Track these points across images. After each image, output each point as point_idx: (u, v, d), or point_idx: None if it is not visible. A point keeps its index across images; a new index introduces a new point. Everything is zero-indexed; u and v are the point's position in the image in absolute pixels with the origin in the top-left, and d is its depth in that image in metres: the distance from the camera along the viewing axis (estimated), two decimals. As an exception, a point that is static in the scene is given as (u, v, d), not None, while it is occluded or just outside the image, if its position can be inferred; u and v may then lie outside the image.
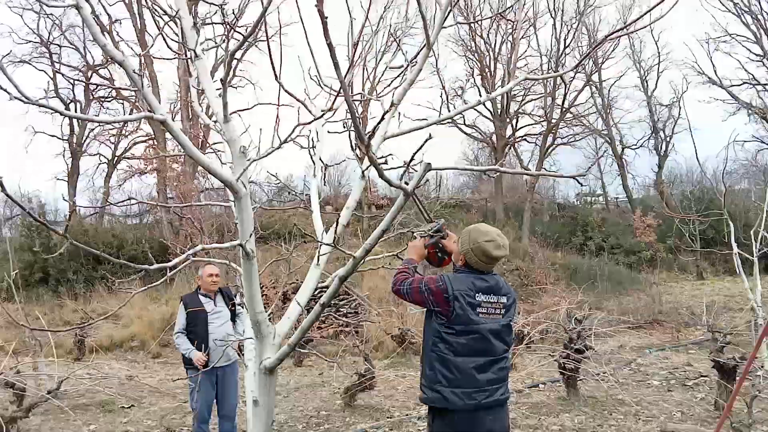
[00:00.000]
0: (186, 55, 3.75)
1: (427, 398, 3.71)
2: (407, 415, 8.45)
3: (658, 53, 34.13)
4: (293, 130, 3.73)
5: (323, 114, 3.98)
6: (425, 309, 3.78)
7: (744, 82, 32.31)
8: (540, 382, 10.50)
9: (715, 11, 32.16)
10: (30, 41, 28.33)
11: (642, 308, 18.31)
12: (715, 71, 32.57)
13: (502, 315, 3.73)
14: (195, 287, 6.99)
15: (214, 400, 6.67)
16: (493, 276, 3.80)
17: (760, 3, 31.06)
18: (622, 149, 33.99)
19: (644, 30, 32.13)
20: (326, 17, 2.35)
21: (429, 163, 2.62)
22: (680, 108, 33.80)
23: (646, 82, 34.60)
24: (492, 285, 3.72)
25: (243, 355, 5.12)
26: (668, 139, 34.29)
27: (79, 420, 8.50)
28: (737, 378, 6.33)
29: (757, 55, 31.73)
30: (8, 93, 2.42)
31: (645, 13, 3.09)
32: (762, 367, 10.81)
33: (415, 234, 4.11)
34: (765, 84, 31.92)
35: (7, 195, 2.42)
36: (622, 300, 19.93)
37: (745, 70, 32.25)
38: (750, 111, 32.18)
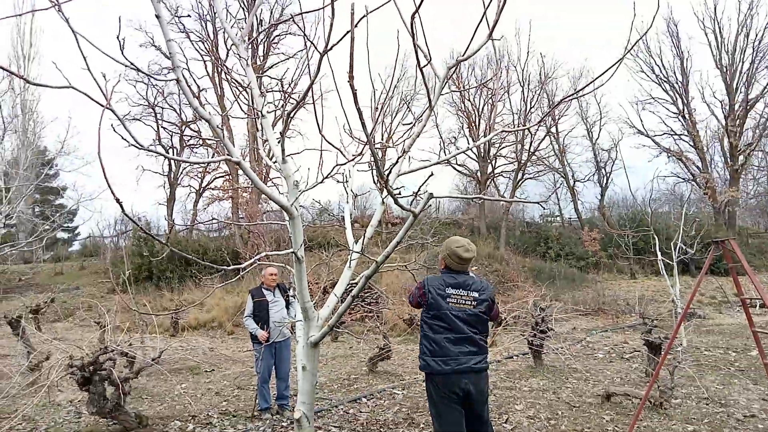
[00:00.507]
0: (254, 115, 3.80)
1: (420, 366, 3.84)
2: (415, 378, 8.41)
3: (600, 112, 34.02)
4: (332, 169, 3.77)
5: (354, 158, 4.01)
6: None
7: (664, 133, 32.20)
8: (513, 354, 10.40)
9: (642, 80, 32.25)
10: (140, 104, 28.80)
11: (589, 300, 18.16)
12: (642, 124, 32.44)
13: (473, 306, 3.81)
14: (259, 283, 7.02)
15: (273, 367, 6.67)
16: (465, 275, 3.90)
17: (676, 74, 31.01)
18: (574, 182, 33.79)
19: (590, 95, 32.16)
20: (356, 89, 2.38)
21: (431, 193, 2.64)
22: (617, 152, 33.68)
23: (591, 133, 34.47)
24: (460, 282, 3.84)
25: (294, 333, 5.14)
26: (608, 175, 34.05)
27: (173, 380, 8.53)
28: (662, 352, 6.24)
29: (673, 112, 31.62)
30: (126, 141, 2.47)
31: (589, 83, 3.09)
32: (681, 344, 10.66)
33: None
34: (680, 134, 31.78)
35: (125, 214, 2.46)
36: (574, 294, 19.77)
37: (665, 124, 32.13)
38: (669, 154, 32.01)
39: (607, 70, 2.82)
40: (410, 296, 3.97)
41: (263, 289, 6.78)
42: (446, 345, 3.70)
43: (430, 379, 3.79)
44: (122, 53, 2.68)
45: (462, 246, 3.85)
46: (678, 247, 11.92)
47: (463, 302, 3.79)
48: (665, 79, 31.34)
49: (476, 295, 3.83)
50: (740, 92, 29.70)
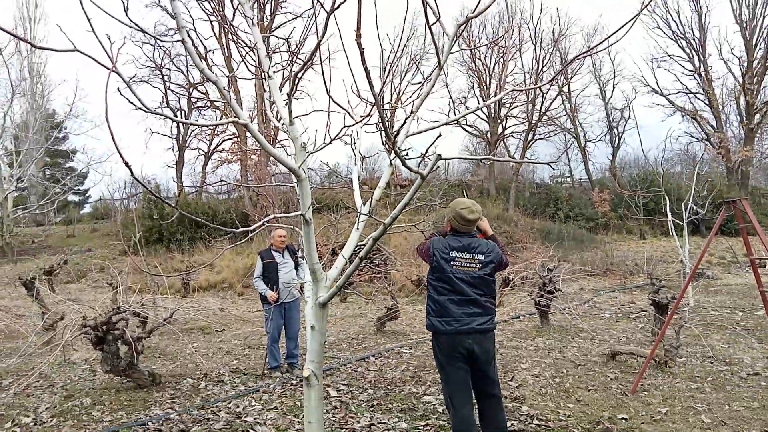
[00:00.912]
0: (261, 76, 3.77)
1: (426, 325, 3.95)
2: (422, 337, 8.54)
3: (614, 70, 33.73)
4: (340, 131, 3.74)
5: (362, 119, 3.98)
6: None
7: (679, 91, 31.64)
8: (521, 314, 10.52)
9: (658, 37, 31.51)
10: (147, 66, 28.57)
11: (597, 260, 18.22)
12: (657, 83, 31.91)
13: (478, 268, 3.83)
14: (269, 245, 7.09)
15: (282, 326, 6.79)
16: (470, 237, 3.91)
17: (693, 30, 30.25)
18: (585, 143, 33.41)
19: (603, 52, 31.46)
20: (363, 49, 2.36)
21: (439, 154, 2.63)
22: (630, 111, 33.17)
23: (604, 92, 33.88)
24: (465, 245, 3.85)
25: (303, 293, 5.22)
26: (620, 135, 33.63)
27: (185, 339, 8.73)
28: (669, 312, 6.29)
29: (689, 70, 30.99)
30: (133, 104, 2.47)
31: (604, 40, 3.03)
32: (688, 304, 10.71)
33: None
34: (695, 93, 31.20)
35: (134, 177, 2.48)
36: (582, 255, 19.81)
37: (680, 82, 31.57)
38: (683, 113, 31.51)
39: (622, 27, 2.75)
40: (420, 249, 4.06)
41: (272, 251, 6.85)
42: (450, 306, 3.77)
43: (436, 338, 3.88)
44: (126, 14, 2.65)
45: (467, 207, 3.83)
46: (689, 208, 11.85)
47: (468, 265, 3.81)
48: (682, 36, 30.60)
49: (481, 257, 3.84)
50: (760, 48, 28.98)
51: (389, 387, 5.90)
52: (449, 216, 3.92)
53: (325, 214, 19.00)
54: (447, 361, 3.80)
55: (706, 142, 30.15)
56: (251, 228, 3.16)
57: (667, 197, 12.28)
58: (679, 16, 30.52)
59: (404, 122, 3.60)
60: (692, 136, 31.90)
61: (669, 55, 31.23)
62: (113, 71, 2.21)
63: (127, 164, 2.14)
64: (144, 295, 10.06)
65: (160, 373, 6.22)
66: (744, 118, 29.52)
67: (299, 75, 3.44)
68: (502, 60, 29.68)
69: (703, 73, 30.33)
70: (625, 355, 6.67)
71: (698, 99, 31.22)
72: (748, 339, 7.76)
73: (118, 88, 2.31)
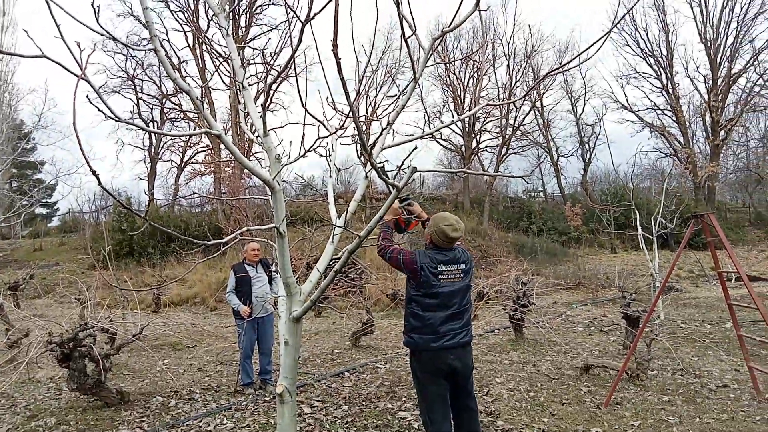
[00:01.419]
0: (236, 87, 3.73)
1: (405, 342, 3.84)
2: (397, 352, 8.49)
3: (585, 86, 34.42)
4: (315, 143, 3.73)
5: (337, 131, 3.97)
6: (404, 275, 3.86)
7: (648, 108, 32.48)
8: (495, 328, 10.55)
9: (627, 54, 32.48)
10: (119, 76, 28.21)
11: (570, 274, 18.43)
12: (626, 99, 32.78)
13: (461, 278, 3.79)
14: (242, 258, 6.98)
15: (256, 342, 6.68)
16: (452, 250, 3.84)
17: (660, 48, 31.13)
18: (557, 157, 33.96)
19: (575, 69, 32.15)
20: (340, 59, 2.35)
21: (415, 167, 2.62)
22: (600, 126, 33.87)
23: (575, 107, 34.57)
24: (450, 258, 3.78)
25: (277, 308, 5.14)
26: (592, 149, 34.29)
27: (155, 356, 8.53)
28: (640, 325, 6.37)
29: (657, 87, 31.86)
30: (105, 114, 2.42)
31: (575, 57, 3.08)
32: (658, 317, 10.88)
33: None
34: (663, 109, 32.04)
35: (104, 188, 2.41)
36: (556, 268, 20.03)
37: (649, 99, 32.42)
38: (652, 129, 32.30)
39: (593, 44, 2.80)
40: (389, 251, 3.84)
41: (246, 265, 6.75)
42: (435, 323, 3.70)
43: (416, 355, 3.79)
44: (97, 21, 2.60)
45: (450, 225, 3.76)
46: (658, 222, 12.10)
47: (454, 276, 3.77)
48: (650, 53, 31.47)
49: (463, 266, 3.82)
50: (723, 67, 29.94)
51: (364, 403, 5.84)
52: (431, 230, 3.82)
53: (300, 227, 18.93)
54: (427, 377, 3.73)
55: (674, 158, 30.90)
56: (224, 241, 3.11)
57: (637, 211, 12.52)
58: (647, 34, 31.47)
59: (380, 135, 3.61)
60: (661, 152, 32.72)
61: (638, 72, 32.11)
62: (82, 78, 2.16)
63: (94, 173, 2.09)
64: (113, 310, 9.83)
65: (128, 391, 6.05)
66: (710, 135, 30.37)
67: (274, 86, 3.43)
68: (476, 75, 30.13)
69: (670, 90, 31.19)
70: (598, 369, 6.72)
71: (666, 115, 32.08)
72: (716, 351, 7.89)
73: (87, 97, 2.26)
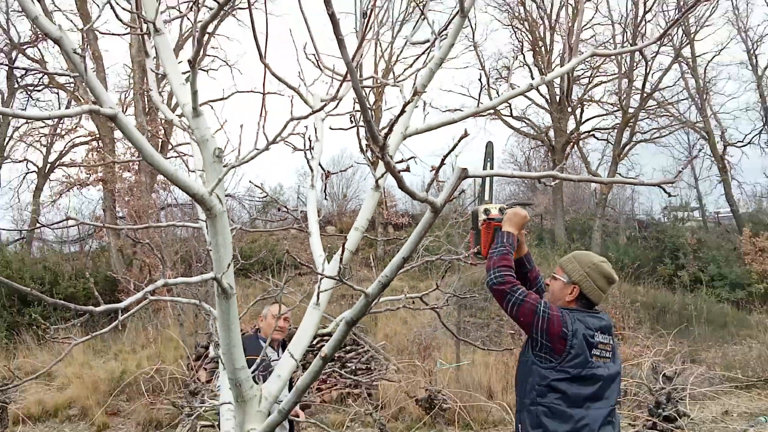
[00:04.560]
0: (142, 29, 3.80)
1: None
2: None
3: (772, 18, 34.12)
4: (284, 127, 3.76)
5: (324, 105, 4.01)
6: (527, 347, 4.04)
7: None
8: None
9: None
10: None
11: (754, 360, 18.19)
12: None
13: (611, 359, 4.00)
14: (254, 329, 6.90)
15: None
16: (603, 313, 4.13)
17: None
18: (725, 147, 33.71)
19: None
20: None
21: (465, 169, 2.64)
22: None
23: (755, 56, 34.30)
24: (607, 323, 4.05)
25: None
26: (791, 133, 34.13)
27: None
28: None
29: None
30: None
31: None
32: None
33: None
34: None
35: None
36: (727, 349, 19.80)
37: None
38: None
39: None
40: (517, 290, 3.97)
41: (261, 340, 6.57)
42: (593, 425, 3.84)
43: None
44: None
45: (606, 261, 4.16)
46: None
47: (606, 354, 3.99)
48: None
49: (612, 341, 4.05)
50: None
51: None
52: (579, 276, 4.09)
53: (259, 277, 18.99)
54: None
55: None
56: (123, 305, 3.14)
57: None
58: None
59: (401, 111, 3.63)
60: None
61: None
62: None
63: None
64: None
65: None
66: None
67: (210, 28, 3.47)
68: (572, 2, 30.27)
69: None
70: None
71: None
72: None
73: None
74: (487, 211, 4.18)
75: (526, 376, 3.98)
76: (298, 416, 6.17)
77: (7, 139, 31.09)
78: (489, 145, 4.04)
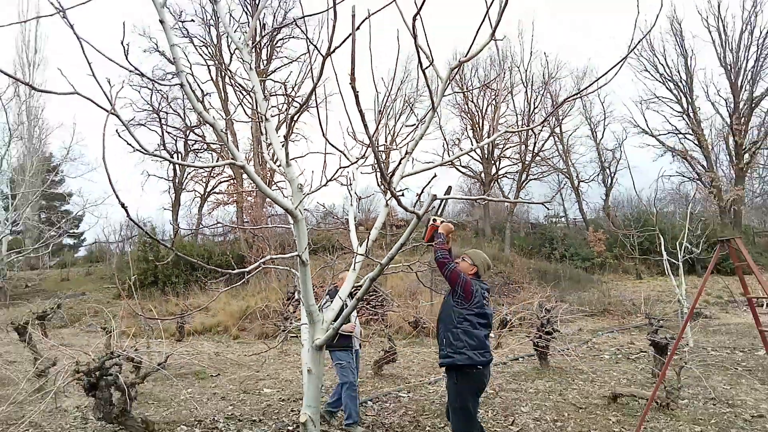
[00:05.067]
0: (258, 119, 3.81)
1: (455, 360, 4.10)
2: (421, 381, 8.39)
3: (604, 111, 33.91)
4: (336, 172, 3.77)
5: (357, 160, 4.01)
6: (450, 296, 4.26)
7: (669, 132, 32.15)
8: (519, 356, 10.37)
9: (646, 79, 32.29)
10: (145, 110, 28.88)
11: (595, 301, 18.11)
12: (647, 124, 32.41)
13: (489, 305, 4.35)
14: (334, 286, 6.75)
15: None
16: (485, 282, 4.50)
17: (680, 73, 30.96)
18: (578, 182, 33.63)
19: (593, 94, 32.12)
20: (357, 92, 2.39)
21: (434, 195, 2.64)
22: (621, 151, 33.52)
23: (595, 133, 34.30)
24: (488, 286, 4.43)
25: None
26: (613, 174, 33.92)
27: (179, 385, 8.54)
28: (669, 352, 6.22)
29: (677, 111, 31.57)
30: (132, 146, 2.49)
31: (593, 83, 3.09)
32: (687, 345, 10.61)
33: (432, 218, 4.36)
34: (684, 133, 31.70)
35: (131, 219, 2.47)
36: (580, 295, 19.71)
37: (669, 123, 32.06)
38: (674, 153, 31.93)
39: (610, 70, 2.82)
40: (451, 265, 4.14)
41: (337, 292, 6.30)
42: (483, 339, 4.17)
43: (466, 374, 4.11)
44: (126, 58, 2.69)
45: (487, 258, 4.58)
46: (683, 247, 11.87)
47: (488, 302, 4.33)
48: (669, 78, 31.28)
49: (488, 294, 4.41)
50: (745, 90, 29.61)
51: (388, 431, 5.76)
52: (478, 262, 4.46)
53: (321, 255, 18.96)
54: (473, 395, 4.20)
55: (698, 182, 30.43)
56: (247, 270, 3.14)
57: (661, 236, 12.31)
58: (665, 60, 31.29)
59: (399, 163, 3.63)
60: (683, 176, 32.24)
61: (657, 97, 31.87)
62: (112, 113, 2.23)
63: (122, 204, 2.14)
64: (138, 339, 9.89)
65: (153, 420, 6.06)
66: (734, 158, 29.91)
67: (295, 117, 3.49)
68: (494, 102, 30.25)
69: (691, 114, 30.87)
70: (627, 397, 6.55)
71: (688, 139, 31.67)
72: (749, 380, 7.65)
73: (116, 130, 2.33)
74: (434, 220, 4.29)
75: (449, 312, 4.21)
76: (351, 331, 6.11)
77: (184, 178, 31.22)
78: (449, 188, 4.07)
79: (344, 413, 5.96)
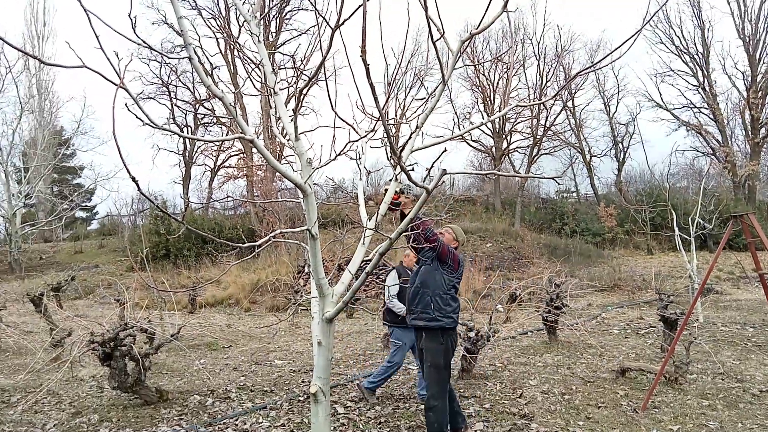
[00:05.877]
0: (267, 92, 3.79)
1: (444, 323, 4.40)
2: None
3: (618, 85, 33.40)
4: (345, 146, 3.76)
5: (366, 134, 3.98)
6: (437, 265, 4.46)
7: (683, 106, 31.67)
8: (528, 330, 10.43)
9: (661, 52, 31.70)
10: (154, 83, 28.79)
11: (605, 276, 18.07)
12: (661, 98, 31.97)
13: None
14: (399, 262, 6.77)
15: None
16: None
17: (696, 46, 30.34)
18: (590, 157, 33.29)
19: (607, 67, 31.57)
20: (368, 65, 2.36)
21: (444, 169, 2.62)
22: (634, 126, 33.13)
23: (608, 106, 33.81)
24: (464, 258, 4.76)
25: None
26: (625, 149, 33.54)
27: (192, 356, 8.70)
28: (678, 328, 6.22)
29: (693, 85, 31.04)
30: (141, 120, 2.49)
31: (607, 56, 3.03)
32: (697, 320, 10.60)
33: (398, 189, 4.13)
34: (699, 107, 31.21)
35: (141, 193, 2.49)
36: (590, 270, 19.68)
37: (684, 97, 31.62)
38: (688, 128, 31.49)
39: (624, 42, 2.76)
40: (441, 239, 4.40)
41: (407, 270, 6.35)
42: (459, 305, 4.59)
43: (449, 334, 4.45)
44: (134, 31, 2.67)
45: (463, 233, 4.90)
46: (696, 222, 11.78)
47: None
48: (685, 51, 30.69)
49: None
50: (763, 63, 29.01)
51: (397, 404, 5.85)
52: (458, 237, 4.79)
53: (331, 229, 19.03)
54: (450, 353, 4.47)
55: (712, 157, 30.05)
56: (257, 243, 3.16)
57: (673, 212, 12.22)
58: (682, 32, 30.67)
59: (409, 137, 3.61)
60: (698, 151, 31.88)
61: (673, 70, 31.34)
62: (121, 87, 2.22)
63: (134, 179, 2.15)
64: (151, 311, 10.05)
65: (167, 389, 6.19)
66: (749, 133, 29.45)
67: (304, 91, 3.46)
68: (505, 75, 29.83)
69: (707, 88, 30.36)
70: (635, 372, 6.58)
71: (703, 113, 31.23)
72: (759, 355, 7.65)
73: (126, 104, 2.33)
74: (402, 192, 4.06)
75: (434, 279, 4.45)
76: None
77: (194, 152, 31.28)
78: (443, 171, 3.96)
79: (371, 376, 6.17)
